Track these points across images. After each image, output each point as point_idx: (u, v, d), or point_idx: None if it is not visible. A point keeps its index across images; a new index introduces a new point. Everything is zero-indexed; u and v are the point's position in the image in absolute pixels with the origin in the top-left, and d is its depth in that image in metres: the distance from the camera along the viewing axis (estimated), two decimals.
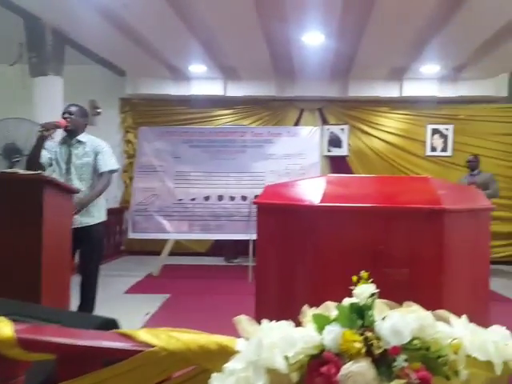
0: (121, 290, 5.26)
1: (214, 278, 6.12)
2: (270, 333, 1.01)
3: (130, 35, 5.57)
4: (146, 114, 7.79)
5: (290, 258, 2.06)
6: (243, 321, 1.09)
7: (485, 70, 6.65)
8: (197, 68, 6.93)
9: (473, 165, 6.25)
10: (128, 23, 5.19)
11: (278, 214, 2.17)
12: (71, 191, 2.94)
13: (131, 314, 4.20)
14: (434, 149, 7.54)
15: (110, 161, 3.55)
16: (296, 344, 0.98)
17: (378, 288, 1.85)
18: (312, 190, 2.04)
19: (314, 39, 5.51)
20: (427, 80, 7.17)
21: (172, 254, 6.40)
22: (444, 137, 7.53)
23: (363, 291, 1.11)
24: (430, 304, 1.84)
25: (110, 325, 1.46)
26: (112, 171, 3.60)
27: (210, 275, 6.31)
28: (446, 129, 7.50)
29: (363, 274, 1.17)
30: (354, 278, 1.15)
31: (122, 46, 5.91)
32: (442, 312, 1.16)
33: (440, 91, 7.27)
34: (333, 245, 1.87)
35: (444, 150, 7.50)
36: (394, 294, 1.85)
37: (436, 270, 1.83)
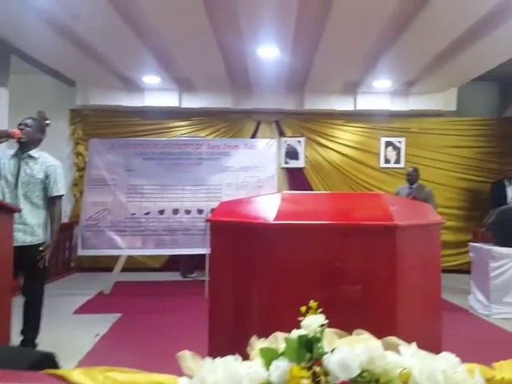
0: (70, 310, 5.01)
1: (169, 294, 5.92)
2: (214, 370, 0.95)
3: (79, 45, 5.41)
4: (98, 125, 7.59)
5: (244, 278, 2.00)
6: (186, 357, 1.02)
7: (434, 84, 6.89)
8: (150, 79, 6.83)
9: (412, 178, 6.21)
10: (77, 34, 5.04)
11: (231, 232, 2.11)
12: (11, 210, 2.77)
13: (80, 336, 4.04)
14: (387, 161, 7.71)
15: (61, 185, 3.43)
16: (241, 382, 0.92)
17: (333, 305, 1.83)
18: (266, 208, 1.99)
19: (268, 53, 5.53)
20: (380, 94, 7.36)
21: (125, 269, 6.18)
22: (397, 149, 7.72)
23: (312, 322, 1.07)
24: (384, 320, 1.86)
25: (46, 360, 1.35)
26: (62, 196, 3.47)
27: (165, 292, 6.10)
28: (399, 141, 7.70)
29: (312, 303, 1.12)
30: (303, 309, 1.11)
31: (71, 57, 5.73)
32: (392, 339, 1.13)
33: (392, 105, 7.47)
34: (288, 263, 1.83)
35: (397, 162, 7.69)
36: (350, 311, 1.86)
37: (389, 285, 1.82)
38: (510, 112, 7.61)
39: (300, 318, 1.10)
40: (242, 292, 2.02)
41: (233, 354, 1.02)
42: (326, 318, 1.87)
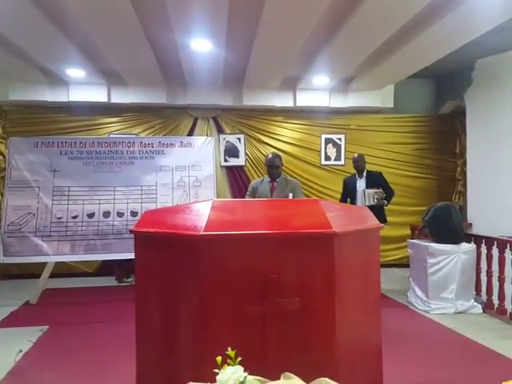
0: None
1: (103, 301, 5.63)
2: None
3: None
4: (19, 122, 7.07)
5: (173, 294, 1.88)
6: None
7: (372, 82, 6.91)
8: (75, 72, 6.38)
9: (276, 171, 4.69)
10: None
11: (157, 244, 1.98)
12: None
13: (1, 353, 3.73)
14: (328, 158, 7.68)
15: None
16: None
17: (270, 320, 1.69)
18: (196, 217, 1.87)
19: (202, 46, 5.27)
20: (319, 90, 7.31)
21: (55, 275, 5.84)
22: (337, 146, 7.70)
23: (229, 377, 0.86)
24: (323, 330, 1.75)
25: None
26: None
27: (99, 299, 5.79)
28: (339, 138, 7.68)
29: (230, 352, 0.91)
30: (219, 360, 0.90)
31: None
32: (322, 381, 0.98)
33: (332, 102, 7.45)
34: (220, 277, 1.74)
35: (337, 158, 7.67)
36: (288, 324, 1.71)
37: (328, 295, 1.78)
38: (446, 109, 7.77)
39: (215, 371, 0.89)
40: (171, 310, 1.89)
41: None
42: (263, 333, 1.72)
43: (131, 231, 2.13)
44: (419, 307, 4.99)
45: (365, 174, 5.97)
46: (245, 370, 0.89)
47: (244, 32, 5.00)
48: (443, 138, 7.76)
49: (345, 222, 1.98)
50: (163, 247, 1.93)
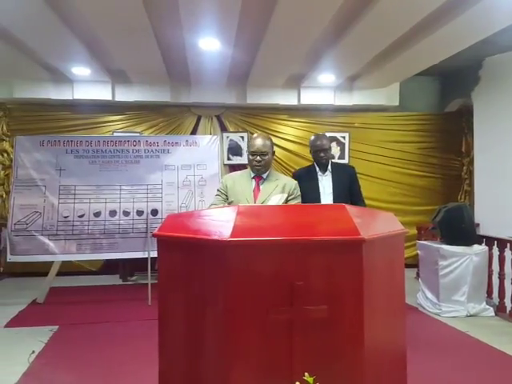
0: (0, 322, 4.63)
1: (110, 301, 5.63)
2: None
3: None
4: (24, 120, 7.03)
5: (198, 299, 1.84)
6: None
7: (377, 79, 6.88)
8: (80, 70, 6.34)
9: (258, 161, 3.16)
10: None
11: (182, 248, 1.93)
12: None
13: (13, 354, 3.71)
14: (332, 156, 7.64)
15: None
16: None
17: (297, 327, 1.67)
18: (221, 222, 1.83)
19: (210, 45, 5.24)
20: (324, 88, 7.28)
21: (59, 273, 5.78)
22: (341, 144, 7.67)
23: None
24: (351, 338, 1.71)
25: None
26: None
27: (105, 298, 5.79)
28: (343, 136, 7.65)
29: (308, 377, 0.89)
30: None
31: None
32: None
33: (336, 99, 7.42)
34: (247, 284, 1.69)
35: (341, 157, 7.64)
36: (315, 332, 1.68)
37: (357, 303, 1.74)
38: (452, 107, 7.76)
39: None
40: (195, 316, 1.85)
41: None
42: (290, 341, 1.70)
43: (154, 235, 2.10)
44: (430, 310, 4.91)
45: (329, 167, 3.83)
46: None
47: (253, 31, 4.97)
48: (449, 137, 7.75)
49: (372, 227, 1.96)
50: (188, 252, 1.89)
